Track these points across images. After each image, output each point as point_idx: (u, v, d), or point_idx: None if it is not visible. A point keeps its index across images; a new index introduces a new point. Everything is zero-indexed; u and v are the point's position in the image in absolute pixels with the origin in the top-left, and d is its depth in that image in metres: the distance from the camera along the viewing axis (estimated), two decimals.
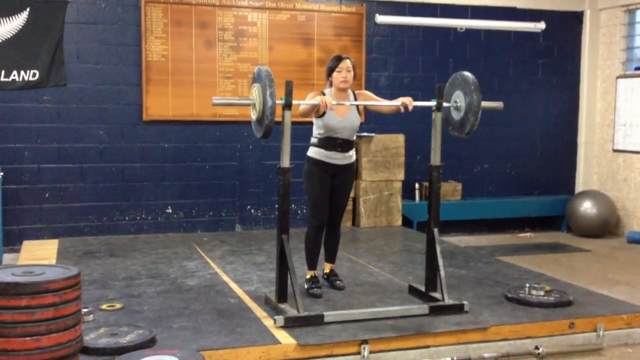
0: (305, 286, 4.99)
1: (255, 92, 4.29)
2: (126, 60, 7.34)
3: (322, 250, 5.14)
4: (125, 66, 7.35)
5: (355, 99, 4.92)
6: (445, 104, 4.79)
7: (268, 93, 4.14)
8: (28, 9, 6.94)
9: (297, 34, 7.87)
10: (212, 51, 7.58)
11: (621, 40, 8.74)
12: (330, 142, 4.85)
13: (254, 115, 4.36)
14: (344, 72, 4.78)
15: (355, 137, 4.99)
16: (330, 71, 4.83)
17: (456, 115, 4.79)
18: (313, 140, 4.95)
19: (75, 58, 7.18)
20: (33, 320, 3.13)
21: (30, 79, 7.00)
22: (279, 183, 4.46)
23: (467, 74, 4.73)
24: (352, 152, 4.98)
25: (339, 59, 4.82)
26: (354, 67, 4.85)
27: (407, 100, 4.75)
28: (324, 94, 4.79)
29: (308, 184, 4.96)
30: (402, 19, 8.21)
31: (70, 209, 7.27)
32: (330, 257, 5.24)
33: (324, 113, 4.77)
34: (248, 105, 4.41)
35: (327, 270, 5.25)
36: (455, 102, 4.76)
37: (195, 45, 7.52)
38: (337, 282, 5.15)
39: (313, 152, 4.95)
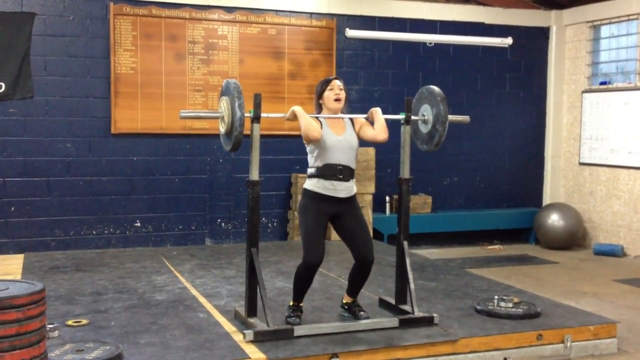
0: (286, 313, 4.60)
1: (223, 105, 4.24)
2: (94, 73, 7.28)
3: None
4: (93, 79, 7.28)
5: (351, 121, 4.58)
6: (413, 118, 4.80)
7: (237, 105, 4.10)
8: None
9: (268, 47, 7.87)
10: (182, 64, 7.55)
11: (586, 55, 8.91)
12: (329, 169, 4.37)
13: (222, 128, 4.30)
14: (337, 89, 4.45)
15: (355, 165, 4.52)
16: (321, 93, 4.49)
17: (424, 129, 4.81)
18: (310, 171, 4.46)
19: (43, 70, 7.10)
20: None
21: None
22: (248, 196, 4.44)
23: (433, 87, 4.76)
24: (353, 183, 4.50)
25: (327, 80, 4.52)
26: (345, 88, 4.54)
27: (374, 110, 4.61)
28: (318, 119, 4.44)
29: (302, 220, 4.46)
30: (372, 34, 8.27)
31: (36, 223, 7.15)
32: (354, 293, 4.73)
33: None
34: (216, 118, 4.35)
35: (347, 301, 4.76)
36: (423, 115, 4.78)
37: (165, 58, 7.49)
38: (361, 312, 4.64)
39: (310, 184, 4.44)
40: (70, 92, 7.22)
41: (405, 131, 4.80)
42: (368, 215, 8.07)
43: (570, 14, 9.07)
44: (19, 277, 5.84)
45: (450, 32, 8.61)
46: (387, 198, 8.36)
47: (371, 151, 8.09)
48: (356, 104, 8.03)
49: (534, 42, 9.17)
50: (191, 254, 7.16)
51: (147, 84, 7.42)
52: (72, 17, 7.19)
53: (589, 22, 8.86)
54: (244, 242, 6.91)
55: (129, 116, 7.39)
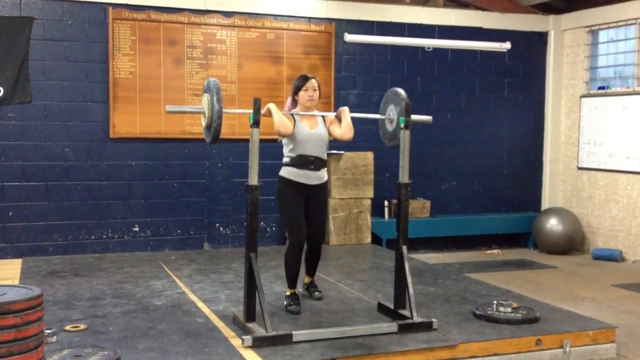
0: (285, 302, 5.03)
1: (205, 101, 4.50)
2: (93, 77, 7.27)
3: (302, 265, 5.18)
4: (91, 83, 7.28)
5: (323, 118, 5.04)
6: (380, 117, 5.06)
7: (215, 99, 4.37)
8: None
9: (266, 51, 7.88)
10: (180, 68, 7.55)
11: (585, 60, 8.92)
12: (302, 160, 4.87)
13: (204, 122, 4.56)
14: (310, 91, 4.90)
15: (326, 156, 5.01)
16: (297, 90, 4.94)
17: (389, 127, 5.04)
18: (285, 159, 4.97)
19: (41, 74, 7.09)
20: None
21: None
22: (247, 201, 4.44)
23: (397, 88, 4.98)
24: (324, 172, 5.02)
25: (305, 79, 4.95)
26: (319, 86, 4.99)
27: (342, 109, 5.00)
28: (292, 115, 4.89)
29: (282, 205, 5.02)
30: (370, 38, 8.27)
31: (34, 227, 7.14)
32: (310, 271, 5.37)
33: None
34: (199, 112, 4.62)
35: (306, 281, 5.40)
36: (389, 114, 5.01)
37: (164, 62, 7.49)
38: (316, 292, 5.31)
39: (285, 171, 4.96)
40: (68, 97, 7.21)
41: (405, 136, 4.82)
42: (367, 219, 8.08)
43: (568, 19, 9.09)
44: (17, 282, 5.84)
45: (449, 36, 8.62)
46: (386, 202, 8.35)
47: (370, 155, 8.08)
48: (355, 108, 7.95)
49: (532, 46, 9.18)
50: (190, 258, 7.14)
51: (146, 89, 7.42)
52: (71, 22, 7.19)
53: (587, 27, 8.87)
54: (242, 246, 6.87)
55: (128, 121, 7.38)
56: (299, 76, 5.03)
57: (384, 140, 5.16)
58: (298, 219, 4.93)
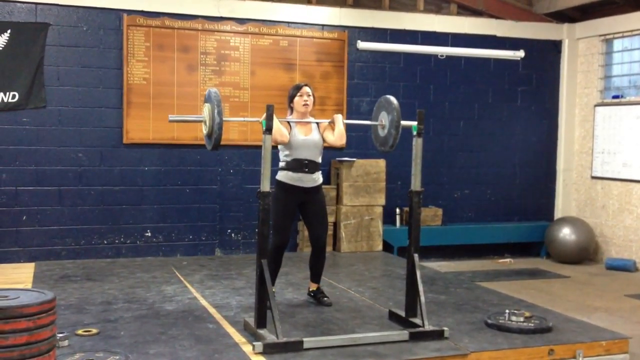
0: None
1: (206, 111, 4.58)
2: (107, 83, 7.32)
3: (281, 268, 5.16)
4: (106, 89, 7.32)
5: (318, 125, 5.23)
6: (373, 123, 5.08)
7: (216, 111, 4.44)
8: (9, 31, 6.91)
9: (279, 59, 7.90)
10: (194, 75, 7.59)
11: (599, 69, 8.88)
12: (297, 163, 5.07)
13: (205, 130, 4.64)
14: (305, 96, 5.14)
15: (320, 160, 5.21)
16: (292, 98, 5.19)
17: (381, 133, 5.02)
18: (281, 164, 5.16)
19: (56, 80, 7.15)
20: (6, 345, 3.06)
21: (10, 100, 6.96)
22: (259, 207, 4.45)
23: (389, 96, 4.97)
24: (319, 175, 5.22)
25: (298, 87, 5.21)
26: (313, 94, 5.22)
27: (336, 116, 5.19)
28: (288, 122, 5.11)
29: (273, 208, 5.03)
30: (383, 46, 8.28)
31: (47, 232, 7.18)
32: (316, 278, 5.42)
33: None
34: (200, 122, 4.71)
35: (313, 289, 5.44)
36: (381, 121, 5.01)
37: (177, 68, 7.53)
38: (325, 299, 5.36)
39: (282, 175, 5.16)
40: (82, 102, 7.26)
41: (417, 144, 4.82)
42: (378, 227, 8.06)
43: (582, 28, 9.06)
44: (29, 285, 5.87)
45: (462, 44, 8.61)
46: (398, 210, 8.34)
47: (382, 163, 8.08)
48: (367, 116, 8.00)
49: (546, 55, 9.15)
50: (201, 264, 7.16)
51: (159, 95, 7.46)
52: (86, 28, 7.25)
53: (601, 35, 8.84)
54: (253, 253, 6.91)
55: (141, 126, 7.42)
56: (293, 86, 5.31)
57: (376, 144, 5.20)
58: (284, 223, 5.13)
